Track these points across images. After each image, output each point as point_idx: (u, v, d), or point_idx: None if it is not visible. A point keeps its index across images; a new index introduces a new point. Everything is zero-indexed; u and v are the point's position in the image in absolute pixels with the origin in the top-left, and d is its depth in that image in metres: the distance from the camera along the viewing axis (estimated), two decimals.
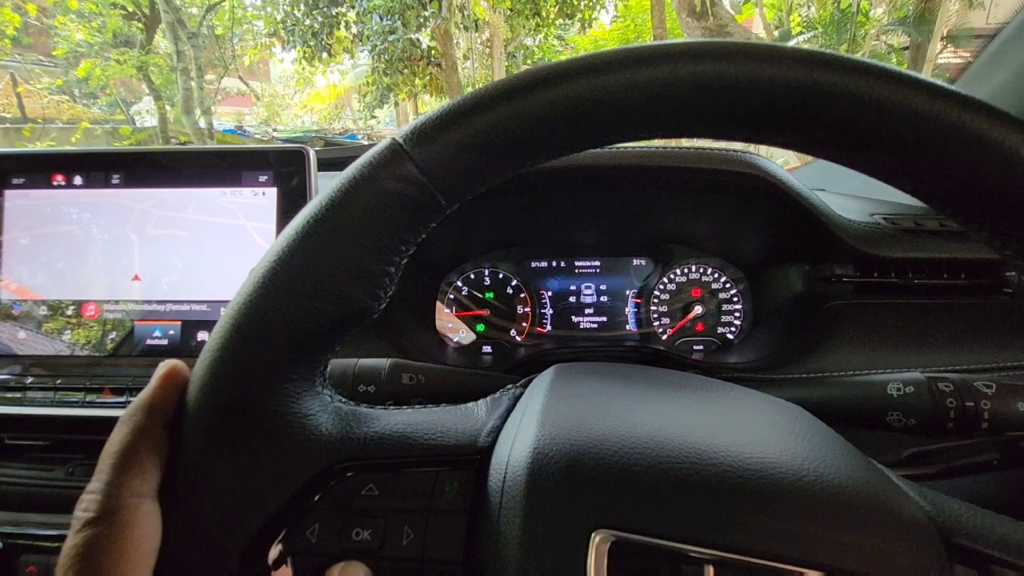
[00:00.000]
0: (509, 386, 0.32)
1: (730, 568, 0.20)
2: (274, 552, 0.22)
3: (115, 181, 0.55)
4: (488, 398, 0.30)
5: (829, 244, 0.58)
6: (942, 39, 5.51)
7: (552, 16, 7.82)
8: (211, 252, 0.54)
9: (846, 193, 0.73)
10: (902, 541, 0.20)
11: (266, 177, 0.54)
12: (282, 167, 0.54)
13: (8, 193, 0.55)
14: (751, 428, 0.26)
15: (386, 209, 0.23)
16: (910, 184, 0.22)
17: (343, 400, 0.26)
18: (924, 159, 0.20)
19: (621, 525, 0.21)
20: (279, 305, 0.22)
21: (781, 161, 0.61)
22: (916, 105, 0.19)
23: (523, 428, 0.25)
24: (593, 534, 0.20)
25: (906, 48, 5.84)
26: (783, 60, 0.20)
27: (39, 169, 0.56)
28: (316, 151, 0.55)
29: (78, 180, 0.56)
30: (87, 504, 0.21)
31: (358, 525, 0.23)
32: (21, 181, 0.56)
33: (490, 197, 0.64)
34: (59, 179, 0.55)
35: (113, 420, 0.51)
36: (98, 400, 0.52)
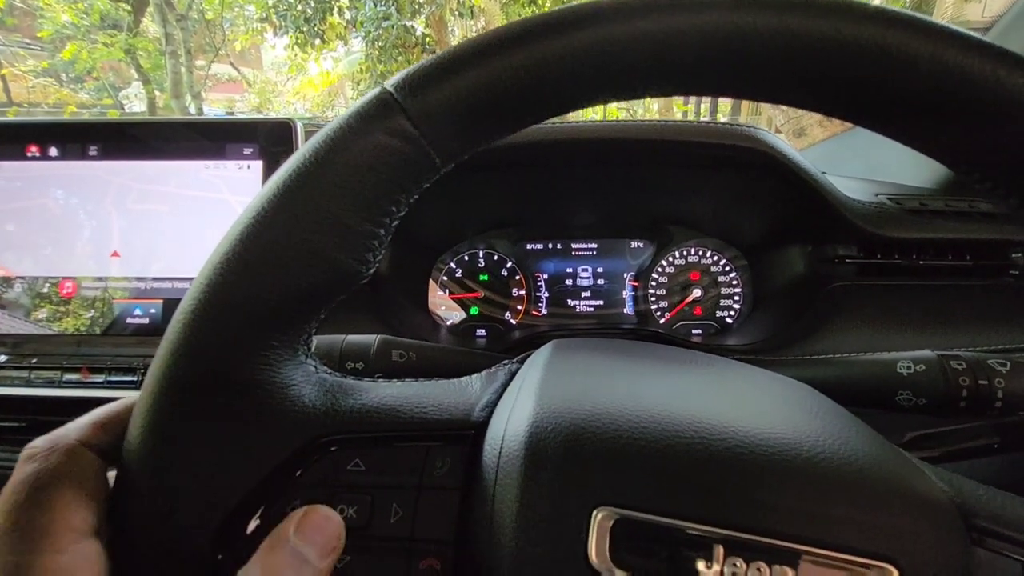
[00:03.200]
0: (505, 361, 0.31)
1: (742, 548, 0.19)
2: (252, 530, 0.21)
3: (93, 153, 0.53)
4: (483, 372, 0.29)
5: (833, 224, 0.57)
6: None
7: (547, 4, 7.74)
8: (194, 227, 0.52)
9: (849, 176, 0.72)
10: (925, 521, 0.19)
11: (251, 150, 0.52)
12: (268, 139, 0.52)
13: None
14: (761, 405, 0.24)
15: (374, 165, 0.21)
16: (938, 147, 0.20)
17: (328, 371, 0.25)
18: (953, 117, 0.19)
19: (625, 503, 0.19)
20: (257, 267, 0.20)
21: None
22: (947, 57, 0.18)
23: (520, 402, 0.23)
24: (595, 512, 0.19)
25: None
26: (803, 8, 0.19)
27: (12, 140, 0.53)
28: (307, 133, 0.53)
29: (54, 151, 0.53)
30: (35, 441, 0.20)
31: (343, 502, 0.22)
32: None
33: (485, 175, 0.62)
34: (33, 150, 0.53)
35: (91, 400, 0.49)
36: (76, 380, 0.50)
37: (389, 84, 0.21)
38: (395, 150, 0.21)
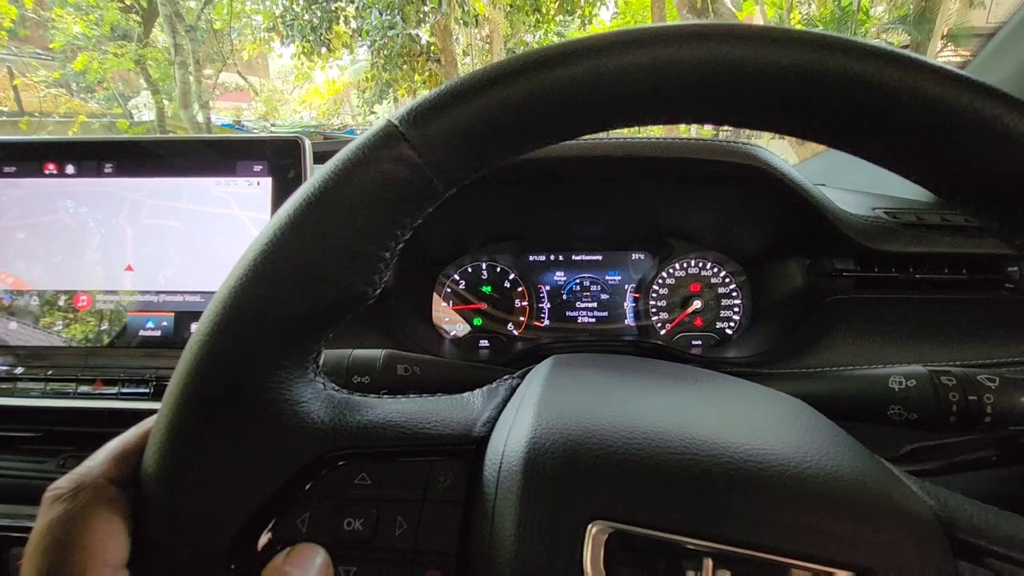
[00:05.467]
0: (506, 376, 0.32)
1: (729, 561, 0.19)
2: (263, 541, 0.22)
3: (108, 170, 0.55)
4: (484, 388, 0.30)
5: (830, 238, 0.58)
6: (942, 38, 5.52)
7: (552, 12, 7.79)
8: (205, 242, 0.54)
9: (847, 188, 0.73)
10: (906, 535, 0.20)
11: (261, 167, 0.54)
12: (277, 156, 0.53)
13: None
14: (752, 420, 0.25)
15: (381, 192, 0.22)
16: (919, 173, 0.21)
17: (336, 388, 0.26)
18: (933, 146, 0.20)
19: (618, 516, 0.20)
20: (270, 289, 0.22)
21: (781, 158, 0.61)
22: (925, 89, 0.19)
23: (519, 417, 0.24)
24: (590, 525, 0.20)
25: (906, 47, 5.84)
26: (789, 42, 0.20)
27: (31, 158, 0.55)
28: (313, 144, 0.54)
29: (70, 169, 0.55)
30: (58, 482, 0.21)
31: (350, 515, 0.23)
32: (12, 170, 0.55)
33: (488, 189, 0.63)
34: (51, 168, 0.55)
35: (105, 412, 0.50)
36: (90, 391, 0.51)
37: (394, 117, 0.22)
38: (400, 178, 0.22)
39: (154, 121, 6.64)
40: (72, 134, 6.12)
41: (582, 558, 0.20)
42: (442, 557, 0.22)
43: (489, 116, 0.21)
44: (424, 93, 0.22)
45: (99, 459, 0.22)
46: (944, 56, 5.63)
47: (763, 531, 0.20)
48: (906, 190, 0.69)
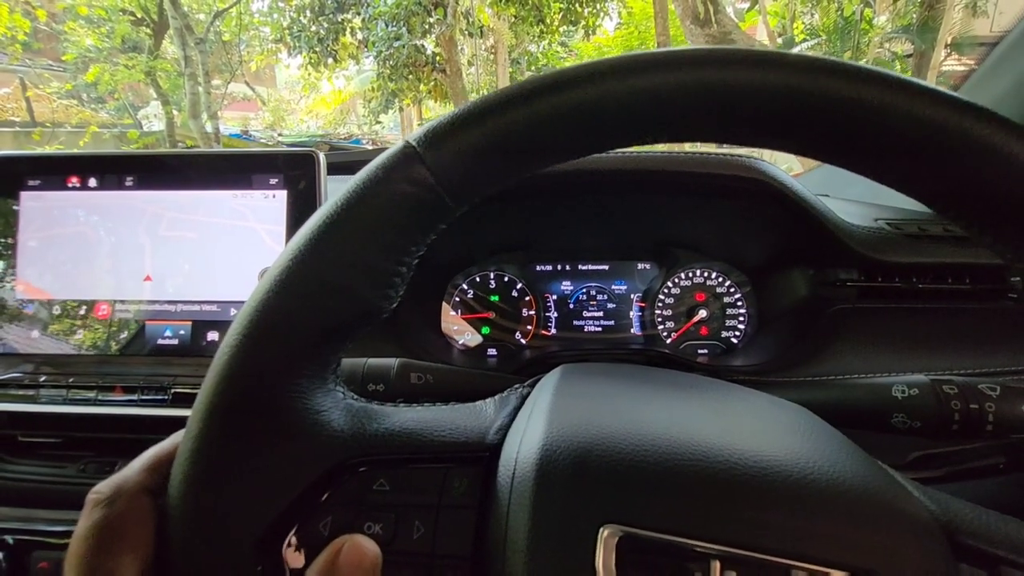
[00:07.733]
0: (516, 385, 0.32)
1: (736, 564, 0.20)
2: (287, 545, 0.23)
3: (128, 183, 0.56)
4: (496, 396, 0.31)
5: (833, 249, 0.59)
6: (946, 47, 5.52)
7: (556, 23, 7.85)
8: (221, 253, 0.55)
9: (850, 199, 0.73)
10: (907, 539, 0.21)
11: (276, 180, 0.55)
12: (292, 170, 0.55)
13: (24, 195, 0.56)
14: (757, 427, 0.26)
15: (398, 211, 0.23)
16: (913, 189, 0.22)
17: (355, 397, 0.27)
18: (927, 164, 0.21)
19: (629, 520, 0.21)
20: (293, 304, 0.23)
21: (785, 167, 0.62)
22: (918, 111, 0.20)
23: (532, 425, 0.25)
24: (602, 529, 0.21)
25: (910, 56, 5.85)
26: (787, 66, 0.21)
27: (55, 171, 0.57)
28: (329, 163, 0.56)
29: (92, 182, 0.56)
30: (99, 486, 0.23)
31: (369, 519, 0.23)
32: (37, 183, 0.57)
33: (496, 201, 0.64)
34: (74, 181, 0.56)
35: (124, 418, 0.51)
36: (109, 398, 0.52)
37: (411, 138, 0.24)
38: (415, 197, 0.23)
39: (163, 131, 6.73)
40: (83, 144, 6.21)
41: (594, 561, 0.20)
42: (458, 560, 0.23)
43: (499, 138, 0.23)
44: (440, 115, 0.24)
45: (137, 467, 0.24)
46: (948, 65, 5.63)
47: (767, 534, 0.20)
48: (908, 201, 0.70)
